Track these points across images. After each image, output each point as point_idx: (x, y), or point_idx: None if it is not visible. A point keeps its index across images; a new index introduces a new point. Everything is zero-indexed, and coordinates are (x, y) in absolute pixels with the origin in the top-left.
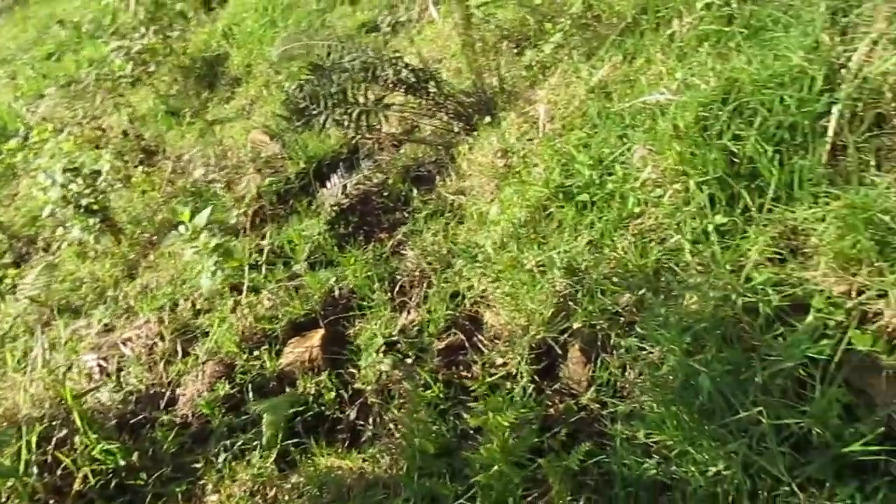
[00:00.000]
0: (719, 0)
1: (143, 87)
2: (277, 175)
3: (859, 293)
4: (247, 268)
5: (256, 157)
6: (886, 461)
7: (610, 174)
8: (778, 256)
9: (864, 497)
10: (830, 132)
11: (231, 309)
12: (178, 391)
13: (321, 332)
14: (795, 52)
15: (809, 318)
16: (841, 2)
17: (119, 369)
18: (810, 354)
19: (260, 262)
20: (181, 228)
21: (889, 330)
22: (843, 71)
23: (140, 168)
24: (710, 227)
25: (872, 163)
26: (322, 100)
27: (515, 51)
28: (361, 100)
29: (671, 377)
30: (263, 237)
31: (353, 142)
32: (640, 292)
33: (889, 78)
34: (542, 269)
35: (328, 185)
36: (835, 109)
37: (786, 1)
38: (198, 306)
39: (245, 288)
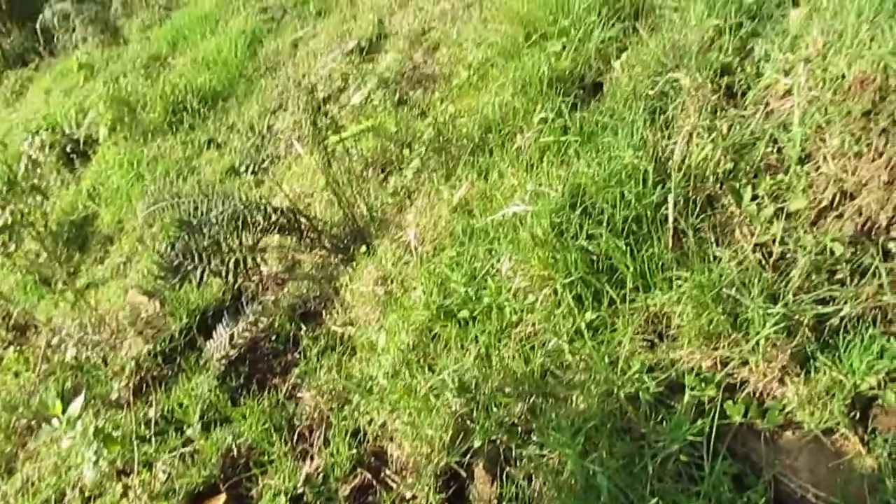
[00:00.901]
0: (552, 114)
1: (4, 265)
2: (160, 334)
3: (724, 365)
4: (136, 443)
5: (136, 318)
6: None
7: (484, 288)
8: (647, 342)
9: None
10: (670, 219)
11: (122, 493)
12: None
13: (222, 497)
14: (626, 151)
15: (686, 398)
16: (657, 101)
17: None
18: (691, 437)
19: (149, 435)
20: (54, 422)
21: (757, 395)
22: (669, 162)
23: (11, 348)
24: (583, 325)
25: (712, 239)
26: (196, 254)
27: (381, 176)
28: (236, 247)
29: (572, 481)
30: (151, 405)
31: (236, 287)
32: (531, 399)
33: (709, 163)
34: (435, 392)
35: (214, 336)
36: (669, 198)
37: (609, 106)
38: (87, 493)
39: (136, 465)
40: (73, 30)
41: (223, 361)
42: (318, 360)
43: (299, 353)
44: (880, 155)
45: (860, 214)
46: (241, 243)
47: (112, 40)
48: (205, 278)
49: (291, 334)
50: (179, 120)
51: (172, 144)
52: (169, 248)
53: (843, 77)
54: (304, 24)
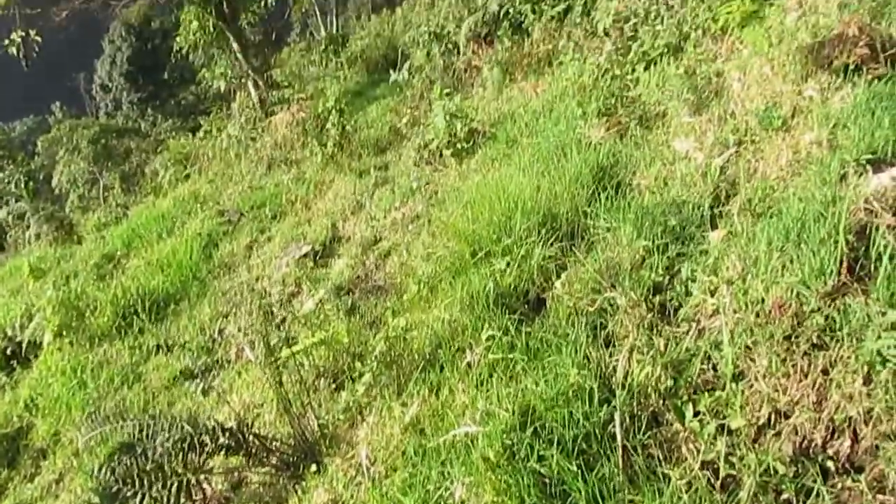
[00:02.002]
0: (499, 331)
1: None
2: None
3: None
4: None
5: None
6: None
7: None
8: None
9: None
10: (619, 438)
11: None
12: None
13: None
14: (571, 369)
15: None
16: (597, 317)
17: None
18: None
19: None
20: None
21: None
22: (613, 379)
23: None
24: None
25: (660, 457)
26: (137, 479)
27: (333, 387)
28: (181, 470)
29: None
30: None
31: None
32: None
33: (651, 380)
34: None
35: None
36: (616, 417)
37: (552, 322)
38: None
39: None
40: (28, 227)
41: None
42: None
43: None
44: (806, 376)
45: (796, 433)
46: (185, 466)
47: (66, 238)
48: None
49: None
50: (129, 324)
51: (119, 349)
52: (108, 472)
53: (763, 301)
54: (260, 226)
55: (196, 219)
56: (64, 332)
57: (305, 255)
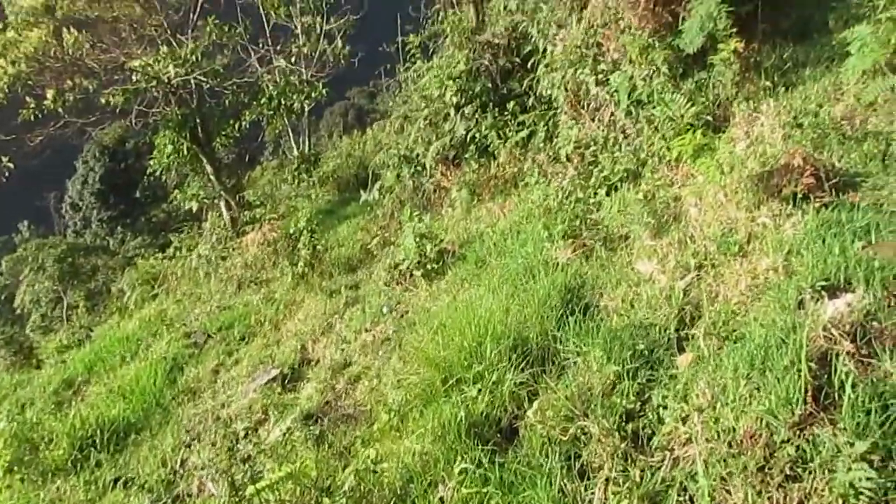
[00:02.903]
0: (472, 464)
1: None
2: None
3: None
4: None
5: None
6: None
7: None
8: None
9: None
10: None
11: None
12: None
13: None
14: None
15: None
16: (571, 446)
17: None
18: None
19: None
20: None
21: None
22: None
23: None
24: None
25: None
26: None
27: None
28: None
29: None
30: None
31: None
32: None
33: None
34: None
35: None
36: None
37: (526, 453)
38: None
39: None
40: None
41: None
42: None
43: None
44: None
45: None
46: None
47: (25, 362)
48: None
49: None
50: (86, 457)
51: (74, 486)
52: None
53: (734, 430)
54: (228, 348)
55: (162, 341)
56: (15, 468)
57: (273, 380)
